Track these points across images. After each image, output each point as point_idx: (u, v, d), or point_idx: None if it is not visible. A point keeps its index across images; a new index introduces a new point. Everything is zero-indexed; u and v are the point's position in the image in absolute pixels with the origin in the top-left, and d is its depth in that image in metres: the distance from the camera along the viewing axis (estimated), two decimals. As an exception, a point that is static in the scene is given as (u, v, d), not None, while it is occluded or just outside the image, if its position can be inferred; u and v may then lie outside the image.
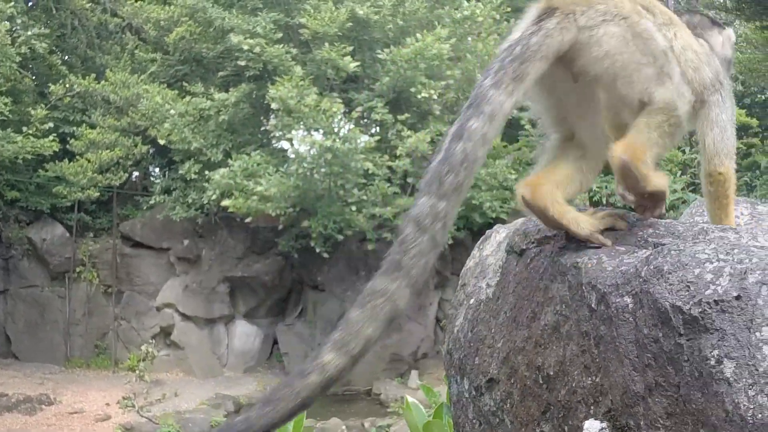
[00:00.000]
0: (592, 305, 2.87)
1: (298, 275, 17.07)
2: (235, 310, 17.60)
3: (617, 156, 2.06)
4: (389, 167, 14.59)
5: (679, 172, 13.80)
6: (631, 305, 2.70)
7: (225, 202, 14.78)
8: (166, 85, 16.95)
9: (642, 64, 1.99)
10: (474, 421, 3.56)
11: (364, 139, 14.70)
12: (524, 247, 3.38)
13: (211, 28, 16.28)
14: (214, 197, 15.02)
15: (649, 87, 2.00)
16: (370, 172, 14.29)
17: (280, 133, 15.00)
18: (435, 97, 14.54)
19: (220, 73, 16.63)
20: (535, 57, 1.93)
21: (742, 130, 18.12)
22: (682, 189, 11.96)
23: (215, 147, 15.85)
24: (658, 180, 2.19)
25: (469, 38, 16.13)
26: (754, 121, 18.34)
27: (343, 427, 14.14)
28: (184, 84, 16.85)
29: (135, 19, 17.89)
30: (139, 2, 17.66)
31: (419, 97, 14.58)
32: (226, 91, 15.95)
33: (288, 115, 14.54)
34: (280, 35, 15.40)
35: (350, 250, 15.94)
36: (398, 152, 14.41)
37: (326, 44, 14.87)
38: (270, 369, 17.58)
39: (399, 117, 14.73)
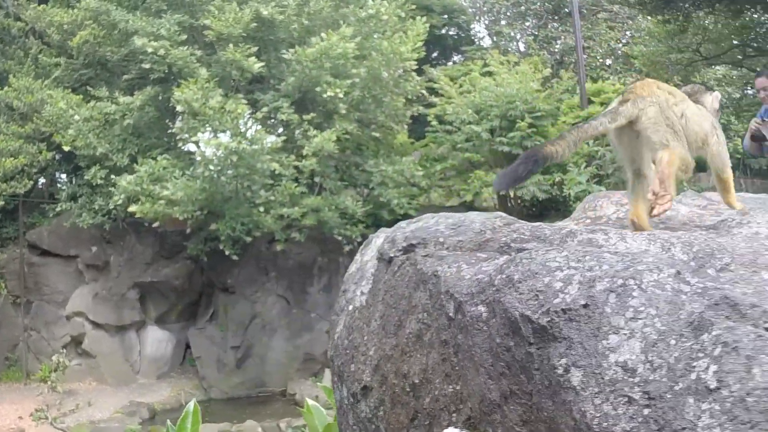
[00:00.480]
0: (450, 314, 2.88)
1: (208, 278, 16.93)
2: (146, 315, 17.38)
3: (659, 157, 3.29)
4: (296, 167, 14.51)
5: (584, 164, 13.96)
6: (485, 314, 2.71)
7: (132, 208, 14.57)
8: (70, 89, 16.61)
9: (664, 127, 3.29)
10: (354, 426, 3.58)
11: (270, 140, 14.60)
12: (392, 255, 3.41)
13: (115, 31, 16.03)
14: (120, 203, 14.80)
15: (666, 138, 3.28)
16: (276, 172, 14.20)
17: (186, 135, 14.81)
18: (341, 96, 14.48)
19: (125, 77, 16.38)
20: (621, 117, 3.26)
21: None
22: (587, 181, 12.08)
23: (121, 152, 15.62)
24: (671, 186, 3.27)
25: (376, 35, 16.12)
26: (658, 111, 18.61)
27: (259, 429, 14.07)
28: (89, 88, 16.54)
29: (38, 23, 17.50)
30: (42, 6, 17.32)
31: (325, 96, 14.51)
32: (131, 94, 15.71)
33: (193, 118, 14.39)
34: (184, 37, 15.22)
35: (259, 252, 15.86)
36: (305, 152, 14.35)
37: (231, 45, 14.72)
38: (183, 374, 17.42)
39: (305, 117, 14.67)
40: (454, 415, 2.94)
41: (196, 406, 4.90)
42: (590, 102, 17.56)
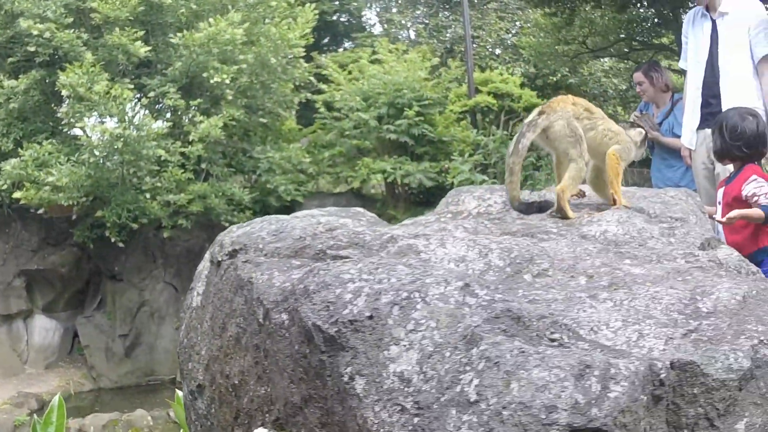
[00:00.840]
0: (260, 320, 3.03)
1: (95, 266, 16.69)
2: (33, 304, 17.03)
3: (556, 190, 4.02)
4: (182, 153, 14.40)
5: (469, 153, 14.14)
6: (287, 322, 2.87)
7: (16, 194, 14.32)
8: (-48, 73, 16.25)
9: (570, 136, 3.96)
10: (195, 422, 3.72)
11: (156, 126, 14.49)
12: (220, 259, 3.54)
13: (0, 12, 15.70)
14: (5, 188, 14.52)
15: (568, 147, 3.98)
16: (163, 158, 14.08)
17: (72, 120, 14.59)
18: (228, 82, 14.40)
19: (10, 60, 16.00)
20: (537, 127, 3.95)
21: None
22: (470, 170, 12.24)
23: (5, 136, 15.29)
24: (569, 209, 4.00)
25: (265, 21, 16.09)
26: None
27: (149, 417, 13.95)
28: (-28, 72, 16.20)
29: None
30: None
31: (212, 82, 14.42)
32: (16, 78, 15.40)
33: (79, 102, 14.17)
34: (71, 20, 14.95)
35: (147, 239, 15.71)
36: (191, 138, 14.26)
37: (117, 29, 14.55)
38: (72, 363, 17.16)
39: (192, 102, 14.58)
40: (266, 415, 3.09)
41: (61, 400, 4.94)
42: (478, 91, 17.77)
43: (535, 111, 4.06)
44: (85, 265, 16.69)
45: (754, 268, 3.48)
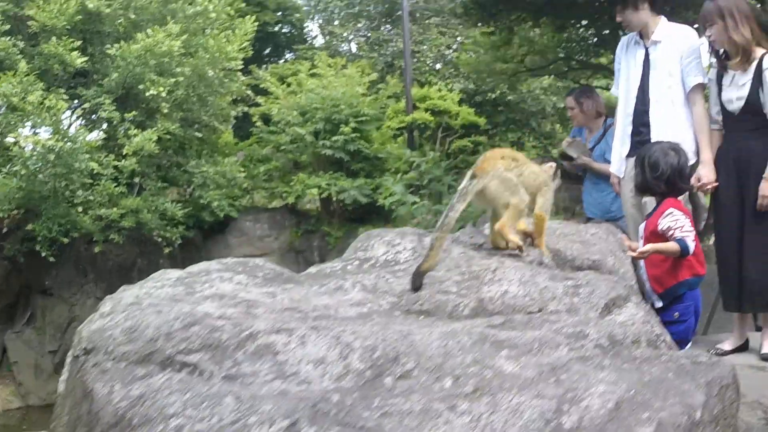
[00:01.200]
0: None
1: (25, 280, 16.40)
2: (-39, 318, 16.74)
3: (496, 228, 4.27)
4: (116, 167, 14.20)
5: (403, 172, 14.10)
6: None
7: (-55, 208, 14.04)
8: None
9: (506, 190, 4.15)
10: None
11: (91, 137, 14.30)
12: (76, 353, 3.48)
13: (-67, 17, 15.38)
14: (-67, 200, 14.23)
15: (507, 199, 4.17)
16: (95, 172, 13.87)
17: (5, 131, 14.34)
18: (164, 94, 14.26)
19: (-60, 67, 15.74)
20: (469, 194, 4.07)
21: (471, 128, 18.79)
22: (402, 192, 12.18)
23: (-66, 146, 15.03)
24: (514, 237, 4.23)
25: (206, 31, 15.96)
26: (483, 120, 19.02)
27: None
28: None
29: None
30: None
31: (148, 94, 14.27)
32: (-53, 86, 15.09)
33: (12, 113, 13.94)
34: (7, 27, 14.72)
35: (78, 253, 15.47)
36: (125, 151, 14.07)
37: (54, 38, 14.34)
38: (0, 380, 16.87)
39: (126, 115, 14.40)
40: None
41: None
42: (415, 107, 17.81)
43: (467, 176, 4.19)
44: (15, 280, 16.37)
45: (656, 332, 3.47)
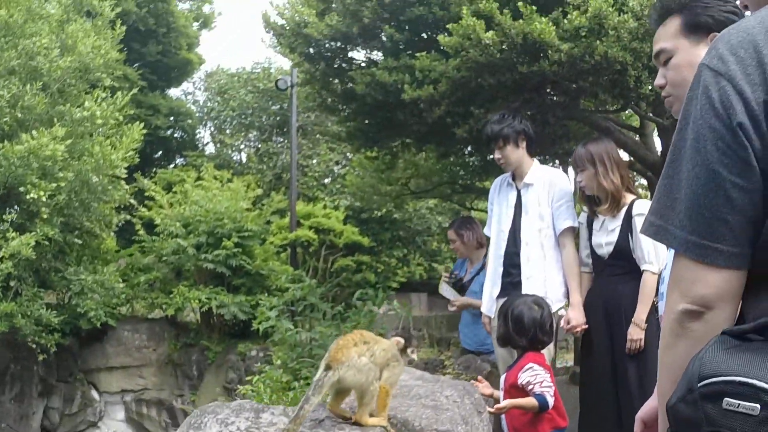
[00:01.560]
0: None
1: None
2: None
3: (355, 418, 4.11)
4: (-9, 270, 13.83)
5: (282, 292, 14.00)
6: None
7: None
8: None
9: (362, 377, 3.98)
10: None
11: (-34, 239, 13.95)
12: None
13: None
14: None
15: (364, 385, 4.01)
16: (-32, 273, 13.50)
17: None
18: (44, 199, 13.99)
19: None
20: (324, 386, 3.89)
21: (357, 247, 18.90)
22: (277, 317, 12.11)
23: None
24: (371, 421, 4.07)
25: (92, 135, 15.76)
26: (366, 240, 19.16)
27: None
28: None
29: None
30: None
31: (28, 197, 14.00)
32: None
33: None
34: None
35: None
36: (1, 254, 13.74)
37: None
38: None
39: (5, 216, 14.10)
40: None
41: None
42: (299, 224, 17.88)
43: (321, 367, 4.08)
44: None
45: None
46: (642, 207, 6.08)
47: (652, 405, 3.16)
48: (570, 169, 12.39)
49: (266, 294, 14.72)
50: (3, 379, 15.34)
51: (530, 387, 5.26)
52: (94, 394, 16.39)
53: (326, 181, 24.71)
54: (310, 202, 20.34)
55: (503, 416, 5.46)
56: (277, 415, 4.17)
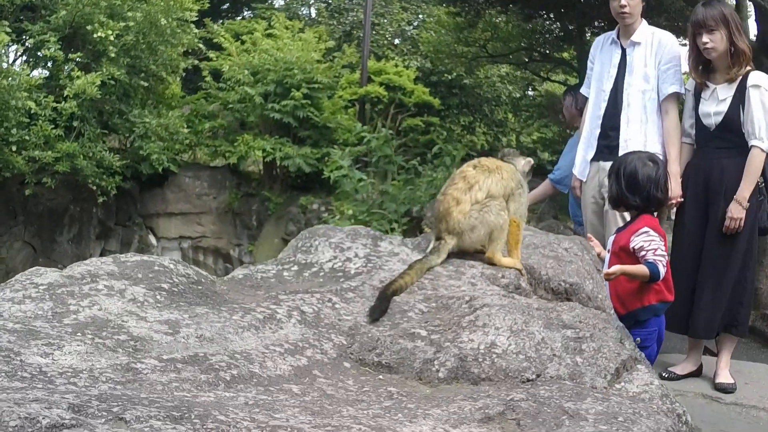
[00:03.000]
0: None
1: (-48, 217, 15.82)
2: None
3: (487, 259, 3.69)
4: (55, 108, 13.64)
5: (349, 147, 13.67)
6: None
7: None
8: None
9: (480, 230, 3.66)
10: None
11: (33, 75, 13.74)
12: None
13: None
14: None
15: (481, 238, 3.68)
16: (32, 111, 13.31)
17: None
18: (112, 38, 13.70)
19: None
20: (443, 253, 3.58)
21: (425, 108, 18.50)
22: (350, 166, 11.76)
23: None
24: (506, 261, 3.68)
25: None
26: (437, 101, 18.72)
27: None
28: None
29: None
30: None
31: (95, 36, 13.71)
32: None
33: (-49, 41, 13.33)
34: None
35: (9, 194, 14.85)
36: (66, 93, 13.53)
37: (0, -33, 13.72)
38: None
39: (71, 55, 13.85)
40: None
41: None
42: (370, 80, 17.43)
43: (433, 239, 3.72)
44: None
45: (678, 411, 2.56)
46: (759, 79, 5.65)
47: None
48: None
49: (334, 147, 14.38)
50: (62, 221, 15.31)
51: (642, 253, 4.87)
52: (152, 239, 16.32)
53: (396, 41, 24.13)
54: (380, 60, 19.79)
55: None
56: (397, 245, 3.77)
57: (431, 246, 3.57)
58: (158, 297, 2.72)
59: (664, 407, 2.54)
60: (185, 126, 15.27)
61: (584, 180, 6.39)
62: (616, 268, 4.80)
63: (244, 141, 15.25)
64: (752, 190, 5.58)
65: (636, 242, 4.91)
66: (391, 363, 2.72)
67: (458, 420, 2.19)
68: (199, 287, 2.97)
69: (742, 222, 5.56)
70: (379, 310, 3.02)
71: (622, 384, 2.70)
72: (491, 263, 3.63)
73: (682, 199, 5.81)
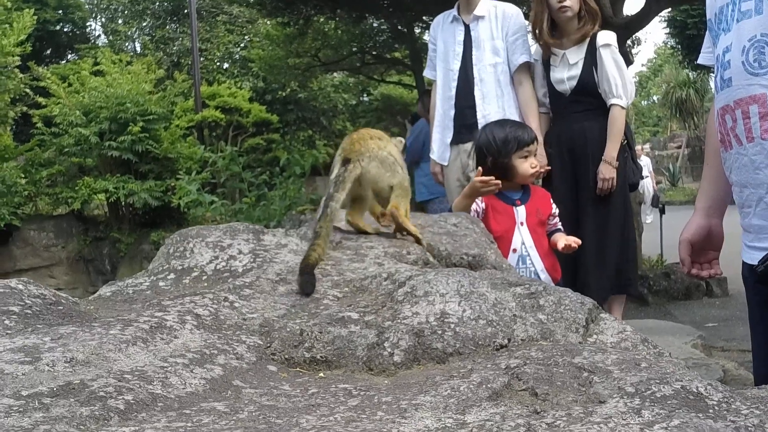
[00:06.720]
0: None
1: None
2: None
3: (390, 210, 3.43)
4: None
5: (195, 171, 13.46)
6: None
7: None
8: None
9: (388, 172, 3.45)
10: None
11: None
12: None
13: None
14: None
15: (390, 180, 3.45)
16: None
17: None
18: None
19: None
20: (347, 181, 3.28)
21: (263, 126, 18.43)
22: (198, 190, 11.55)
23: None
24: (409, 224, 3.43)
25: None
26: (275, 117, 18.66)
27: None
28: None
29: None
30: None
31: None
32: None
33: None
34: None
35: None
36: None
37: None
38: None
39: None
40: None
41: None
42: (205, 105, 17.23)
43: (338, 162, 3.46)
44: None
45: (655, 349, 2.35)
46: (608, 38, 5.78)
47: (699, 224, 2.86)
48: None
49: (176, 179, 14.10)
50: None
51: (555, 220, 4.72)
52: (4, 299, 15.71)
53: (226, 65, 23.99)
54: (212, 85, 19.62)
55: (531, 254, 4.63)
56: (282, 236, 3.32)
57: (335, 173, 3.39)
58: (6, 322, 2.17)
59: (654, 351, 2.39)
60: (22, 177, 14.73)
61: (446, 164, 6.29)
62: (571, 239, 4.62)
63: (85, 184, 14.76)
64: (619, 148, 5.70)
65: (555, 209, 4.73)
66: (328, 356, 2.23)
67: (461, 404, 1.79)
68: (60, 308, 2.40)
69: (614, 181, 5.67)
70: (310, 284, 2.69)
71: (595, 336, 2.44)
72: (395, 220, 3.42)
73: (549, 168, 5.82)
